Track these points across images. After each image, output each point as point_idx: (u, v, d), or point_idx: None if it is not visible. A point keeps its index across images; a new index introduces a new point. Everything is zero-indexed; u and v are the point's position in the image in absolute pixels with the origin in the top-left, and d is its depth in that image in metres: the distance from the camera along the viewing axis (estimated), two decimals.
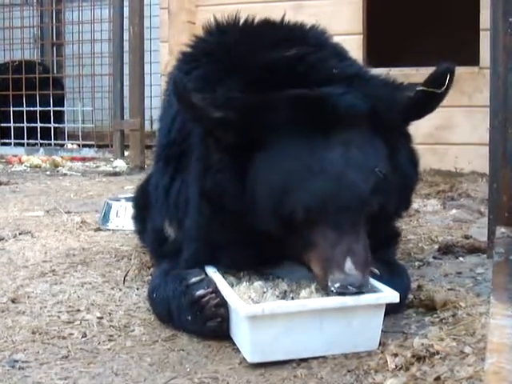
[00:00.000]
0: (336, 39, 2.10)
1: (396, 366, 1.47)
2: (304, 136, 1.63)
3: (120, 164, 5.81)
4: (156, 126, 2.43)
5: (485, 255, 2.44)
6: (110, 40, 6.11)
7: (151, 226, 2.16)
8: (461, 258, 2.48)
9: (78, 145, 6.38)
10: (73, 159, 6.29)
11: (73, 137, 6.54)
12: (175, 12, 5.46)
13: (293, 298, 1.69)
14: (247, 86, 1.71)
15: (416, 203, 3.46)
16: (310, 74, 1.76)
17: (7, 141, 6.47)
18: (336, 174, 1.60)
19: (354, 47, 4.52)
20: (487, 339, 1.38)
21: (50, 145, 6.46)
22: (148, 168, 4.92)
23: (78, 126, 6.46)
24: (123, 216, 3.11)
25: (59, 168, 5.86)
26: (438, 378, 1.39)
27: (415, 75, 4.72)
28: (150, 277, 2.19)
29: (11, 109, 6.45)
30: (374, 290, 1.64)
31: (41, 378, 1.51)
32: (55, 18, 8.31)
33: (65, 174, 5.48)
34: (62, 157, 6.19)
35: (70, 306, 1.98)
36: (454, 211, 3.37)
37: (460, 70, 4.74)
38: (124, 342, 1.72)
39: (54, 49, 8.23)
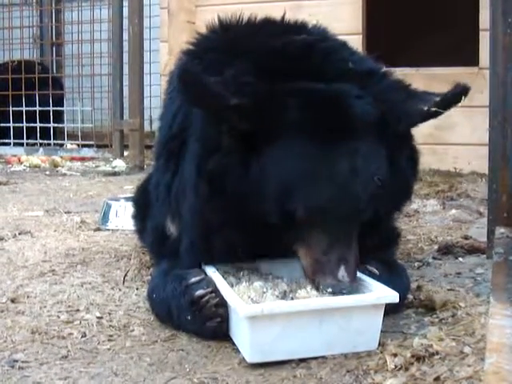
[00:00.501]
0: None
1: (395, 366, 1.47)
2: (316, 136, 1.63)
3: (119, 164, 5.79)
4: (156, 126, 2.42)
5: (484, 255, 2.44)
6: (109, 40, 6.10)
7: (151, 225, 2.15)
8: (460, 259, 2.48)
9: (78, 145, 6.38)
10: (72, 159, 6.27)
11: (72, 137, 6.53)
12: (175, 12, 5.46)
13: (292, 298, 1.69)
14: (260, 71, 1.67)
15: (415, 203, 3.46)
16: (325, 64, 1.74)
17: (6, 141, 6.47)
18: (341, 183, 1.61)
19: (354, 47, 4.51)
20: (487, 339, 1.38)
21: (49, 145, 6.46)
22: (147, 168, 4.92)
23: (77, 126, 6.45)
24: (123, 216, 3.11)
25: (58, 168, 5.84)
26: (437, 378, 1.39)
27: (415, 75, 4.73)
28: (149, 277, 2.19)
29: (10, 109, 6.44)
30: (371, 290, 1.65)
31: (40, 378, 1.51)
32: (54, 17, 8.31)
33: (64, 174, 5.47)
34: (61, 157, 6.18)
35: (69, 306, 1.98)
36: (453, 211, 3.36)
37: (459, 71, 4.79)
38: (123, 342, 1.72)
39: (54, 49, 8.24)
